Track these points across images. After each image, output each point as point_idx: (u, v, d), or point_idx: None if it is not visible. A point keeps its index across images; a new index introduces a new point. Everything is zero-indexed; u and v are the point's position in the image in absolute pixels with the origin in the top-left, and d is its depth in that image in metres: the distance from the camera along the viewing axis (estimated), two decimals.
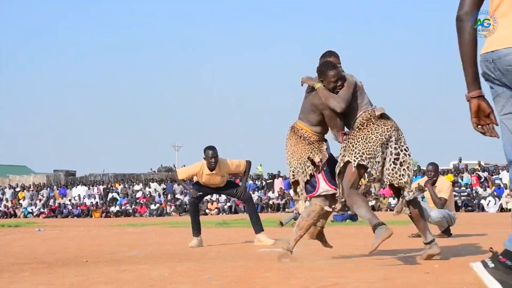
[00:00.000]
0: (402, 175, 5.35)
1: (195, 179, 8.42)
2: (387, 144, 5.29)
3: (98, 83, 61.51)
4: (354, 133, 5.31)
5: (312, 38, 58.18)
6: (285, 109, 57.48)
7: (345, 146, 5.30)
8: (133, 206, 29.00)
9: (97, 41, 59.61)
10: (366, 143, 5.24)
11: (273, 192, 27.76)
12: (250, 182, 29.70)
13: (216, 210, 26.82)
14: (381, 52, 59.05)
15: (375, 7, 56.12)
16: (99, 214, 28.53)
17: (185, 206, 28.11)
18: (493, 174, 25.42)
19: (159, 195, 30.29)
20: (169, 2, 58.34)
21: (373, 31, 57.19)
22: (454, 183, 24.45)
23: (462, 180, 25.09)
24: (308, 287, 4.08)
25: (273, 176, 29.53)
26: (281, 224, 13.14)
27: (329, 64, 5.36)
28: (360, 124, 5.31)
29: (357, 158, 5.23)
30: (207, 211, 26.86)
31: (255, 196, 27.36)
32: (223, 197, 28.16)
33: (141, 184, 32.63)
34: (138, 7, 59.04)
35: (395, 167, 5.32)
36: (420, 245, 7.43)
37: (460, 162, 28.16)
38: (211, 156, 7.97)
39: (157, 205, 28.46)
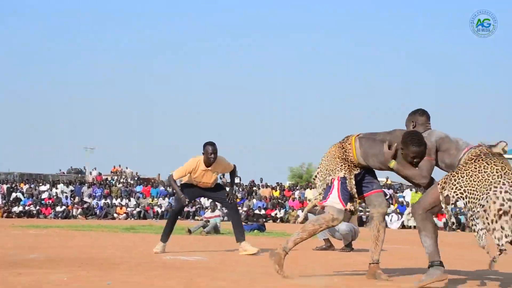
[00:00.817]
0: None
1: (184, 179, 8.32)
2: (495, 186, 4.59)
3: (7, 79, 59.08)
4: (459, 167, 4.88)
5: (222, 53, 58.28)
6: (195, 115, 57.32)
7: (447, 178, 4.90)
8: (38, 207, 28.05)
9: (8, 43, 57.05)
10: (471, 181, 4.73)
11: None
12: (162, 188, 29.42)
13: (124, 214, 26.37)
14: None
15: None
16: (1, 214, 27.41)
17: (93, 209, 27.47)
18: (398, 192, 26.34)
19: (66, 197, 29.46)
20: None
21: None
22: None
23: None
24: None
25: None
26: (189, 231, 13.08)
27: (415, 139, 5.03)
28: (468, 159, 4.88)
29: (456, 195, 4.79)
30: (115, 215, 26.36)
31: (165, 203, 27.12)
32: (133, 201, 27.76)
33: (48, 185, 31.63)
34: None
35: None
36: (320, 258, 7.60)
37: None
38: (211, 151, 7.88)
39: (63, 207, 27.66)
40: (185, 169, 8.07)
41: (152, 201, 28.06)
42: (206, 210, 19.14)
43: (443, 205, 4.86)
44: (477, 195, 4.62)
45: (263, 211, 24.52)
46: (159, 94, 56.87)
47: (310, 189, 27.17)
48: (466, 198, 4.71)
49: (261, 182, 29.17)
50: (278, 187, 28.37)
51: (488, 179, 4.62)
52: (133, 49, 57.57)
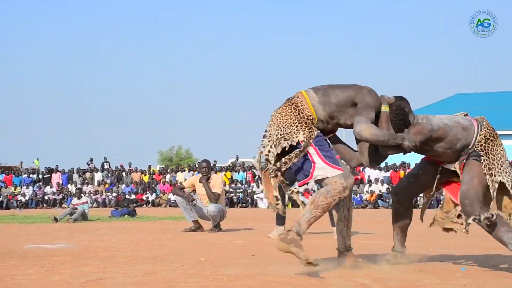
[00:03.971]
0: None
1: None
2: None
3: None
4: (488, 148, 4.52)
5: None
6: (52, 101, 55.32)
7: (489, 164, 4.46)
8: None
9: None
10: (504, 162, 4.55)
11: (50, 187, 26.61)
12: (25, 176, 28.15)
13: None
14: None
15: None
16: None
17: None
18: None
19: None
20: None
21: None
22: (232, 180, 25.47)
23: (238, 176, 26.20)
24: (71, 283, 3.99)
25: (50, 171, 28.31)
26: (56, 219, 12.63)
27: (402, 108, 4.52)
28: (489, 136, 4.57)
29: (507, 177, 4.47)
30: None
31: (29, 191, 25.98)
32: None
33: None
34: None
35: None
36: (198, 238, 7.63)
37: (237, 159, 29.44)
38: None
39: None
40: None
41: (15, 190, 26.79)
42: (73, 197, 18.56)
43: (493, 191, 4.38)
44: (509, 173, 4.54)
45: (133, 196, 24.17)
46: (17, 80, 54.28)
47: (181, 172, 27.11)
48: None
49: (130, 166, 28.71)
50: (147, 171, 28.06)
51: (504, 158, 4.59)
52: None
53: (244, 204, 23.74)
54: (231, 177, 25.88)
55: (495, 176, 4.42)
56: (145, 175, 27.69)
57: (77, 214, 12.85)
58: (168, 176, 27.16)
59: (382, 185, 23.37)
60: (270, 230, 8.29)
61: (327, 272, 4.38)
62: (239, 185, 25.27)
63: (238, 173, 26.55)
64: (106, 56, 56.89)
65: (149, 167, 28.99)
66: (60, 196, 25.43)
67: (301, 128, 4.34)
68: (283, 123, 4.39)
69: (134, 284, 3.94)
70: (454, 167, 4.64)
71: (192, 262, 5.09)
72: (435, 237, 7.83)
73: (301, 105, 4.40)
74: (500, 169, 4.46)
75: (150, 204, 24.64)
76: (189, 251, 6.15)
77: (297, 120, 4.37)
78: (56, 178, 27.58)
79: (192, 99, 57.65)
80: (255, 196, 23.91)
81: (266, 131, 4.51)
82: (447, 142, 4.53)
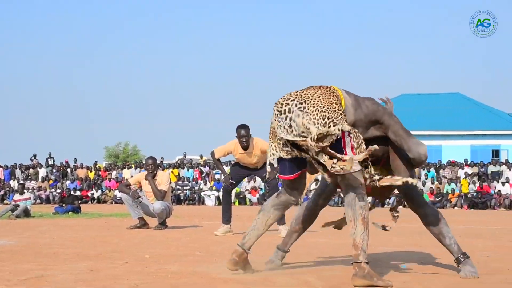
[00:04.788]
0: None
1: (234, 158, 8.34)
2: None
3: None
4: None
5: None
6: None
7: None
8: None
9: None
10: None
11: None
12: None
13: None
14: None
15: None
16: None
17: None
18: (214, 168, 26.88)
19: None
20: None
21: None
22: (179, 177, 25.34)
23: (186, 174, 26.08)
24: (10, 280, 3.90)
25: None
26: None
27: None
28: None
29: None
30: None
31: None
32: None
33: None
34: None
35: None
36: (144, 235, 7.55)
37: (185, 156, 29.30)
38: (242, 135, 7.95)
39: None
40: (224, 150, 8.23)
41: None
42: (16, 193, 18.13)
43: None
44: None
45: (78, 193, 23.77)
46: None
47: (128, 168, 26.81)
48: None
49: (75, 162, 28.23)
50: (93, 167, 27.63)
51: None
52: None
53: (191, 201, 23.66)
54: (178, 174, 25.75)
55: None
56: (91, 171, 27.27)
57: (19, 211, 12.56)
58: (114, 173, 26.82)
59: None
60: (216, 228, 8.29)
61: (271, 270, 4.41)
62: (186, 182, 25.16)
63: (188, 170, 26.43)
64: (48, 53, 55.76)
65: (95, 163, 28.56)
66: (2, 192, 24.79)
67: (344, 120, 3.85)
68: (328, 106, 3.82)
69: (76, 281, 3.88)
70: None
71: (136, 259, 5.04)
72: (378, 234, 7.97)
73: (339, 99, 3.92)
74: None
75: (96, 200, 24.28)
76: (134, 248, 6.09)
77: (341, 110, 3.86)
78: None
79: (140, 95, 57.09)
80: (202, 193, 23.87)
81: (283, 106, 3.87)
82: None
